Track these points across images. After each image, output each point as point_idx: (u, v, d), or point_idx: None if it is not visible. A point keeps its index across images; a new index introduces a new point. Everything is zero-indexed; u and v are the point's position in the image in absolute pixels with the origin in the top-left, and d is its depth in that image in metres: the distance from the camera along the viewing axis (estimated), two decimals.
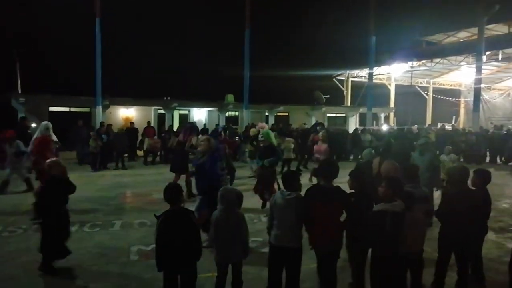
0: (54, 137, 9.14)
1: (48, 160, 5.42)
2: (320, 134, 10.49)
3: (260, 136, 8.14)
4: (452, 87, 37.61)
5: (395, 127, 24.32)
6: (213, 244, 3.88)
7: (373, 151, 6.96)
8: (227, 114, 23.26)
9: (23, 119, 13.46)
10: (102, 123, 15.87)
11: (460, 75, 33.03)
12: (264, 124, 10.60)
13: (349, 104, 32.80)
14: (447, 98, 36.59)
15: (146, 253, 5.54)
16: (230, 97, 23.26)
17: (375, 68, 26.74)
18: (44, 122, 9.12)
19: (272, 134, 8.06)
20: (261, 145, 8.16)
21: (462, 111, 37.31)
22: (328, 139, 9.94)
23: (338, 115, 28.53)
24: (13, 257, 5.41)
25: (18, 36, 25.97)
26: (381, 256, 3.64)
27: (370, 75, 24.35)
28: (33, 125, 15.96)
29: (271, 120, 23.98)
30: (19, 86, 19.79)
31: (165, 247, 3.52)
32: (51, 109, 18.61)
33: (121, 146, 14.79)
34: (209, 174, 5.88)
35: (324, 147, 9.64)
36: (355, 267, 4.32)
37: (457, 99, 37.67)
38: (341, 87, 34.61)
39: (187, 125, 10.97)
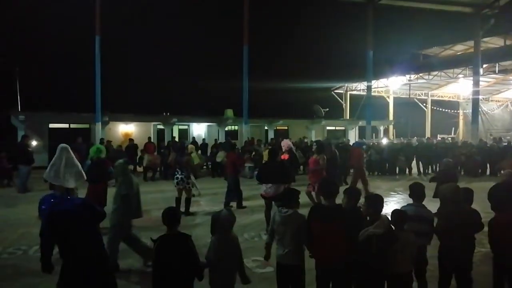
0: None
1: None
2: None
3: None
4: (451, 99, 37.83)
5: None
6: (213, 274, 3.76)
7: (450, 160, 7.01)
8: (226, 129, 23.31)
9: (25, 137, 13.43)
10: (101, 139, 15.89)
11: (458, 87, 33.27)
12: (287, 141, 10.60)
13: (348, 117, 32.94)
14: (446, 110, 36.77)
15: (146, 274, 5.47)
16: (229, 112, 23.34)
17: (373, 81, 26.92)
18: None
19: (100, 150, 7.96)
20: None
21: (461, 122, 37.45)
22: (319, 150, 9.83)
23: (337, 128, 28.61)
24: (13, 279, 5.35)
25: (18, 54, 26.16)
26: (370, 274, 3.72)
27: (369, 88, 24.48)
28: (34, 143, 15.96)
29: (271, 134, 24.03)
30: (19, 103, 19.86)
31: (161, 272, 3.49)
32: (51, 125, 18.69)
33: None
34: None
35: (313, 158, 9.57)
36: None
37: (456, 111, 37.85)
38: (340, 100, 34.82)
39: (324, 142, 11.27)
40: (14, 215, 9.05)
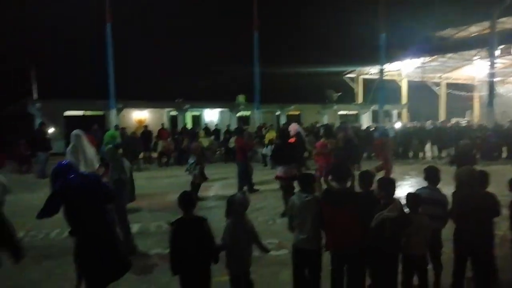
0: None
1: None
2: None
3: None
4: (465, 82, 37.07)
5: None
6: (229, 257, 3.83)
7: (468, 142, 6.96)
8: (238, 115, 23.36)
9: (42, 124, 13.70)
10: (116, 126, 16.10)
11: (472, 69, 32.58)
12: (295, 124, 10.44)
13: (360, 102, 32.65)
14: (460, 93, 36.09)
15: (163, 256, 5.61)
16: (241, 98, 23.38)
17: (386, 65, 26.55)
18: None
19: (114, 136, 7.84)
20: None
21: (476, 105, 36.72)
22: (327, 134, 9.65)
23: (350, 112, 28.41)
24: (36, 261, 5.55)
25: (32, 43, 26.45)
26: (384, 258, 3.77)
27: (381, 72, 24.17)
28: (51, 130, 16.28)
29: (283, 120, 24.02)
30: (34, 92, 20.18)
31: (178, 254, 3.59)
32: (66, 113, 18.96)
33: (135, 148, 15.02)
34: None
35: (322, 142, 9.31)
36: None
37: (471, 93, 37.09)
38: (352, 84, 34.45)
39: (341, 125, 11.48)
40: (35, 200, 9.23)
